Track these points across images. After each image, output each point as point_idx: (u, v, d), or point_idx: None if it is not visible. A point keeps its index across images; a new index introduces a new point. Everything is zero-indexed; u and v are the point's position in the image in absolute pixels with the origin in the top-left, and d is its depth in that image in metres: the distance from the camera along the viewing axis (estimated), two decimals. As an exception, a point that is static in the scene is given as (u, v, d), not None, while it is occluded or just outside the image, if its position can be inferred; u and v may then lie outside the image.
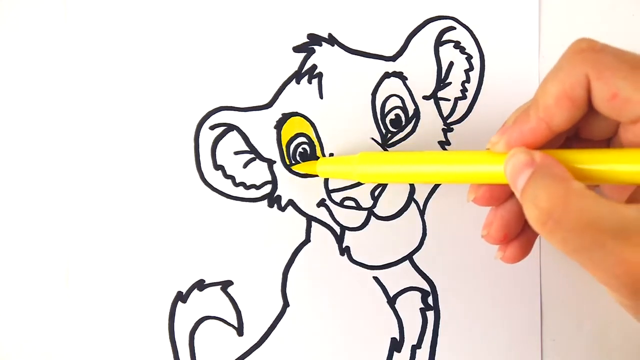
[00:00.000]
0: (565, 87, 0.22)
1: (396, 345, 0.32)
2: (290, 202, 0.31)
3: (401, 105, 0.32)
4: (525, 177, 0.21)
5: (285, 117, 0.31)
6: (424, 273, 0.33)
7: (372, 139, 0.32)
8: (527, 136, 0.23)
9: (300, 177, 0.31)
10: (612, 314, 0.35)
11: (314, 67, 0.31)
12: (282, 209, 0.31)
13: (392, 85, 0.32)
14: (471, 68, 0.33)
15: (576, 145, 0.26)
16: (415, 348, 0.33)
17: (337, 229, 0.32)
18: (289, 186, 0.31)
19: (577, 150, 0.22)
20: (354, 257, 0.32)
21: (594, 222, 0.19)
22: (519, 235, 0.27)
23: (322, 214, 0.32)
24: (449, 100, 0.33)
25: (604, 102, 0.21)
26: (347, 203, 0.32)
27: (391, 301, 0.32)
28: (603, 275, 0.20)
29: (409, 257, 0.33)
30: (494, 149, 0.24)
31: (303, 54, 0.31)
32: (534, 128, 0.23)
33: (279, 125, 0.31)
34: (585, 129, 0.25)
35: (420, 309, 0.33)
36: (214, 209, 0.31)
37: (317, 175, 0.31)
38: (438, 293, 0.33)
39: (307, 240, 0.32)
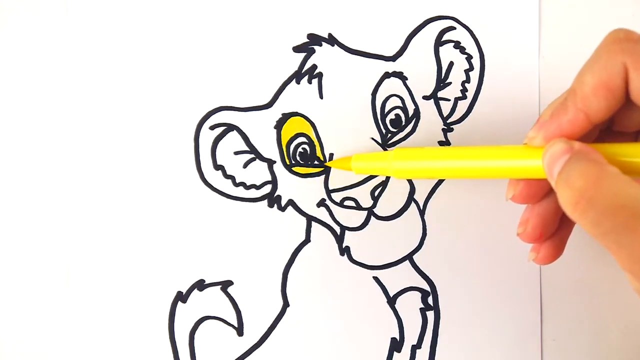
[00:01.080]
0: (603, 77, 0.22)
1: (396, 345, 0.32)
2: (290, 202, 0.31)
3: (401, 105, 0.32)
4: (561, 162, 0.21)
5: (285, 117, 0.31)
6: (424, 273, 0.33)
7: (372, 139, 0.32)
8: (565, 128, 0.23)
9: (300, 177, 0.31)
10: (612, 314, 0.35)
11: (314, 67, 0.31)
12: (282, 209, 0.31)
13: (392, 85, 0.32)
14: (471, 68, 0.33)
15: (609, 139, 0.25)
16: (415, 348, 0.33)
17: (337, 229, 0.32)
18: (289, 186, 0.31)
19: (616, 145, 0.22)
20: (354, 257, 0.32)
21: (627, 205, 0.19)
22: (553, 235, 0.27)
23: (322, 214, 0.32)
24: (449, 100, 0.33)
25: None
26: (347, 203, 0.32)
27: (391, 301, 0.32)
28: (629, 260, 0.20)
29: (409, 257, 0.33)
30: (531, 143, 0.24)
31: (303, 54, 0.31)
32: (572, 119, 0.23)
33: (279, 125, 0.31)
34: (619, 121, 0.25)
35: (420, 309, 0.33)
36: (214, 209, 0.31)
37: (317, 175, 0.31)
38: (438, 293, 0.33)
39: (307, 240, 0.32)
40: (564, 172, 0.21)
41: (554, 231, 0.27)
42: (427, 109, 0.33)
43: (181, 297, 0.30)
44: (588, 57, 0.23)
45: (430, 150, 0.28)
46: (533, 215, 0.26)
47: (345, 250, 0.32)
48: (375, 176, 0.32)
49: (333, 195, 0.32)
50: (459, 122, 0.33)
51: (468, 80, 0.33)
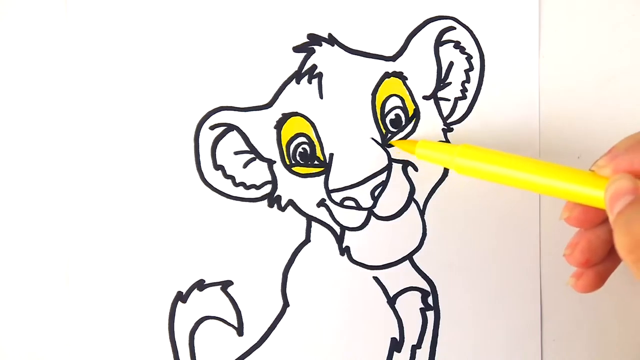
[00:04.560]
0: None
1: (396, 345, 0.32)
2: (290, 202, 0.31)
3: (401, 105, 0.32)
4: (624, 202, 0.21)
5: (285, 117, 0.31)
6: (424, 273, 0.33)
7: (372, 139, 0.32)
8: (636, 166, 0.23)
9: (300, 177, 0.31)
10: (612, 314, 0.35)
11: (314, 67, 0.31)
12: (282, 209, 0.31)
13: (392, 85, 0.32)
14: (471, 68, 0.33)
15: None
16: (415, 348, 0.33)
17: (337, 229, 0.32)
18: (289, 186, 0.31)
19: None
20: (354, 257, 0.32)
21: None
22: (598, 263, 0.26)
23: (322, 214, 0.32)
24: (449, 100, 0.33)
25: None
26: (347, 203, 0.32)
27: (391, 301, 0.32)
28: None
29: (409, 257, 0.33)
30: (599, 172, 0.24)
31: (303, 54, 0.31)
32: None
33: (279, 125, 0.31)
34: None
35: (420, 309, 0.33)
36: (214, 209, 0.31)
37: (317, 175, 0.31)
38: (438, 293, 0.33)
39: (307, 240, 0.32)
40: (625, 214, 0.21)
41: (600, 261, 0.26)
42: (427, 109, 0.33)
43: (181, 297, 0.30)
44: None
45: (496, 155, 0.28)
46: (583, 240, 0.26)
47: (345, 250, 0.32)
48: (375, 176, 0.32)
49: (333, 195, 0.32)
50: (459, 122, 0.33)
51: (468, 80, 0.33)
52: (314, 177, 0.31)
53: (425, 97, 0.33)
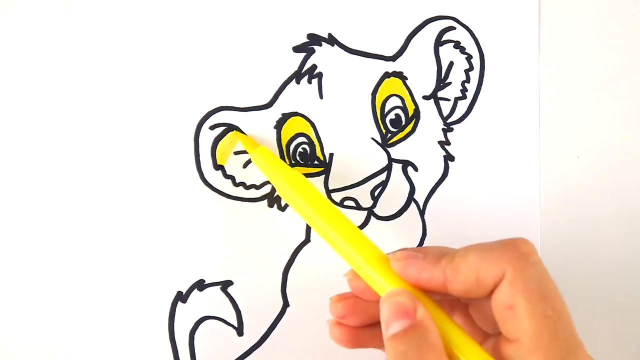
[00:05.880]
0: (480, 275, 0.22)
1: (396, 345, 0.32)
2: (290, 202, 0.31)
3: (401, 105, 0.32)
4: (400, 325, 0.21)
5: (285, 117, 0.31)
6: (424, 273, 0.33)
7: (372, 139, 0.32)
8: (423, 280, 0.23)
9: (300, 177, 0.31)
10: (612, 315, 0.35)
11: (314, 67, 0.31)
12: (282, 209, 0.31)
13: (392, 85, 0.32)
14: (471, 68, 0.33)
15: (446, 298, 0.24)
16: (415, 348, 0.33)
17: (337, 229, 0.32)
18: (289, 186, 0.31)
19: (459, 334, 0.22)
20: (354, 257, 0.32)
21: None
22: (359, 328, 0.26)
23: (322, 214, 0.32)
24: (449, 100, 0.33)
25: (500, 307, 0.22)
26: (347, 203, 0.32)
27: (391, 301, 0.32)
28: None
29: (409, 257, 0.33)
30: (392, 259, 0.24)
31: (303, 54, 0.31)
32: (432, 279, 0.23)
33: (279, 125, 0.31)
34: (475, 305, 0.25)
35: (420, 309, 0.33)
36: (214, 209, 0.31)
37: (317, 175, 0.31)
38: (438, 293, 0.33)
39: (307, 240, 0.32)
40: (401, 344, 0.21)
41: (362, 327, 0.26)
42: (427, 108, 0.33)
43: (181, 297, 0.30)
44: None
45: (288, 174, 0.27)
46: (351, 300, 0.26)
47: (345, 250, 0.32)
48: (375, 176, 0.32)
49: (333, 195, 0.32)
50: (459, 122, 0.33)
51: (468, 80, 0.33)
52: (314, 177, 0.31)
53: (425, 97, 0.33)
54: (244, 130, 0.31)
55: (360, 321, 0.26)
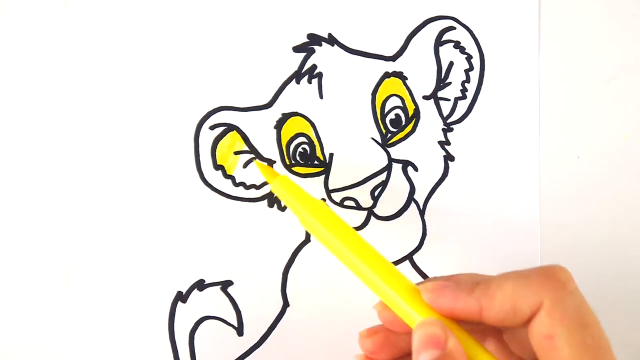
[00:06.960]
0: (517, 304, 0.22)
1: (396, 345, 0.32)
2: (290, 202, 0.31)
3: (401, 105, 0.32)
4: (430, 355, 0.21)
5: (285, 117, 0.31)
6: (424, 273, 0.33)
7: (372, 139, 0.32)
8: (456, 309, 0.23)
9: (300, 177, 0.31)
10: (612, 315, 0.35)
11: (314, 67, 0.31)
12: (282, 209, 0.31)
13: (392, 85, 0.32)
14: (471, 68, 0.33)
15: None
16: (415, 348, 0.33)
17: (337, 229, 0.32)
18: (289, 186, 0.31)
19: (491, 358, 0.22)
20: (354, 257, 0.32)
21: None
22: None
23: (322, 214, 0.32)
24: (449, 100, 0.33)
25: (539, 337, 0.21)
26: (347, 203, 0.32)
27: (391, 301, 0.32)
28: None
29: (409, 257, 0.33)
30: (423, 293, 0.23)
31: (303, 54, 0.31)
32: (467, 308, 0.22)
33: (279, 125, 0.31)
34: (510, 334, 0.25)
35: (420, 309, 0.33)
36: (214, 209, 0.31)
37: (317, 175, 0.31)
38: (438, 293, 0.33)
39: (307, 240, 0.32)
40: None
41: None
42: (427, 108, 0.33)
43: (181, 297, 0.30)
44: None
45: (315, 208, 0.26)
46: (382, 333, 0.25)
47: (345, 250, 0.32)
48: (375, 176, 0.32)
49: (333, 195, 0.32)
50: (459, 122, 0.33)
51: (468, 80, 0.33)
52: (314, 177, 0.31)
53: (425, 97, 0.33)
54: (244, 130, 0.31)
55: (390, 356, 0.26)
